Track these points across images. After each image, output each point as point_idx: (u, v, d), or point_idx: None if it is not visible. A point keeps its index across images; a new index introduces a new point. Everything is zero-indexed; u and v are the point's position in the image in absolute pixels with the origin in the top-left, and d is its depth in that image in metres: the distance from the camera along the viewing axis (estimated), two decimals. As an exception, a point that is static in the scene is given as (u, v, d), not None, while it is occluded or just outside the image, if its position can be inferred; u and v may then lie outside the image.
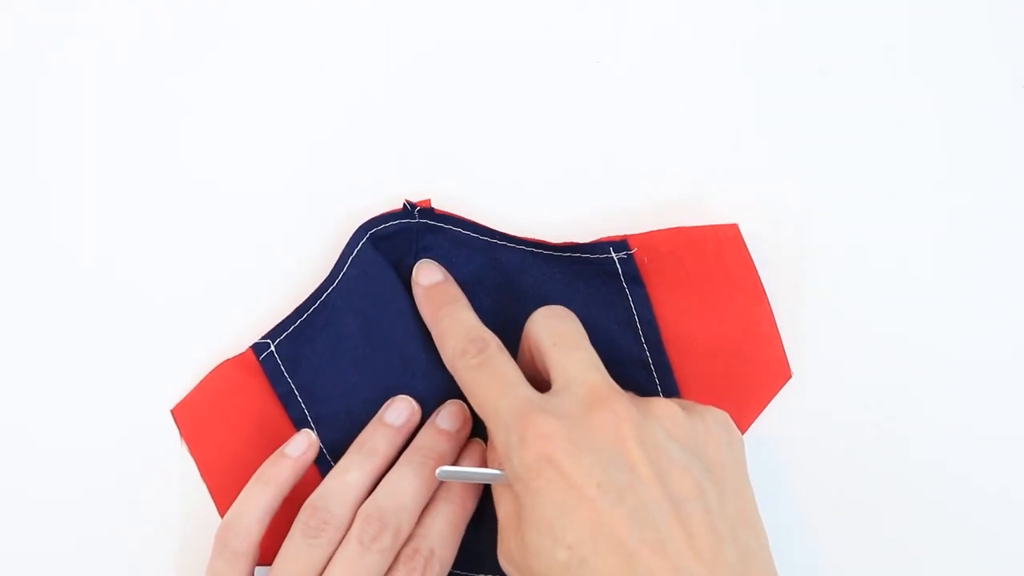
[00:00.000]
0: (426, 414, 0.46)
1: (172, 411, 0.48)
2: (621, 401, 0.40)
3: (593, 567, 0.37)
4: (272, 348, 0.47)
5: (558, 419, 0.39)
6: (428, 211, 0.47)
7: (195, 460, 0.48)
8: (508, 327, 0.47)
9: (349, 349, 0.47)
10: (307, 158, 0.50)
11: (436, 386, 0.46)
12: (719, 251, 0.46)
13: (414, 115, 0.50)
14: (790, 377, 0.47)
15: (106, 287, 0.49)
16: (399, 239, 0.47)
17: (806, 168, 0.49)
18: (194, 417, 0.47)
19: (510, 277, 0.47)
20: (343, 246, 0.47)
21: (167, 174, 0.50)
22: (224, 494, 0.47)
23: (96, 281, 0.49)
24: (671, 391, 0.46)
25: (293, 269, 0.49)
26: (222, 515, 0.47)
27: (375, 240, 0.47)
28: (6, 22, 0.50)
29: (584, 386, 0.40)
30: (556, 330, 0.42)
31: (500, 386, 0.41)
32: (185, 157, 0.50)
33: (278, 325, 0.47)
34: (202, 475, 0.47)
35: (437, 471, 0.43)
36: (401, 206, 0.47)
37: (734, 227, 0.46)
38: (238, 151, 0.50)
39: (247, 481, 0.44)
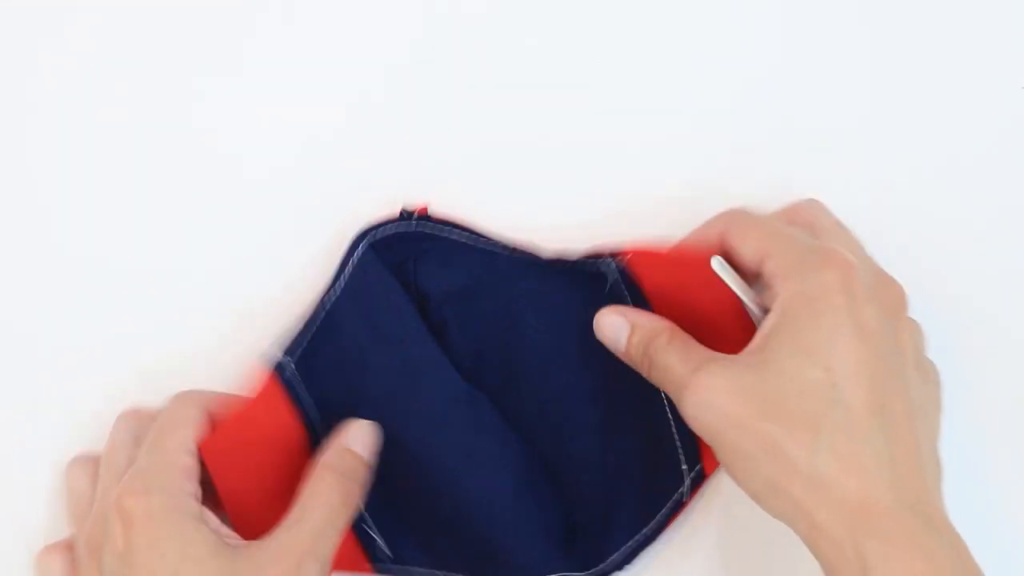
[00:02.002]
0: (433, 417, 0.46)
1: (200, 448, 0.44)
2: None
3: (844, 396, 0.39)
4: (293, 367, 0.46)
5: (860, 260, 0.41)
6: (425, 218, 0.47)
7: (220, 493, 0.44)
8: (508, 332, 0.47)
9: (358, 358, 0.46)
10: (306, 161, 0.50)
11: (444, 389, 0.46)
12: (706, 277, 0.44)
13: (415, 117, 0.50)
14: None
15: (103, 289, 0.49)
16: (397, 246, 0.47)
17: (806, 168, 0.49)
18: (222, 453, 0.45)
19: (510, 282, 0.47)
20: (340, 248, 0.47)
21: (169, 171, 0.50)
22: (245, 520, 0.45)
23: (94, 283, 0.49)
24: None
25: (290, 271, 0.49)
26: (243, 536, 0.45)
27: (373, 247, 0.46)
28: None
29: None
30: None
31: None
32: (186, 158, 0.50)
33: (293, 341, 0.46)
34: (225, 505, 0.45)
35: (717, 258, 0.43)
36: (398, 213, 0.47)
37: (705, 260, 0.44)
38: (237, 153, 0.50)
39: (267, 506, 0.44)
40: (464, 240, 0.47)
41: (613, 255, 0.45)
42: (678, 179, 0.49)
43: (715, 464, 0.45)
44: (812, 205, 0.46)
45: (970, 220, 0.49)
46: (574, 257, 0.46)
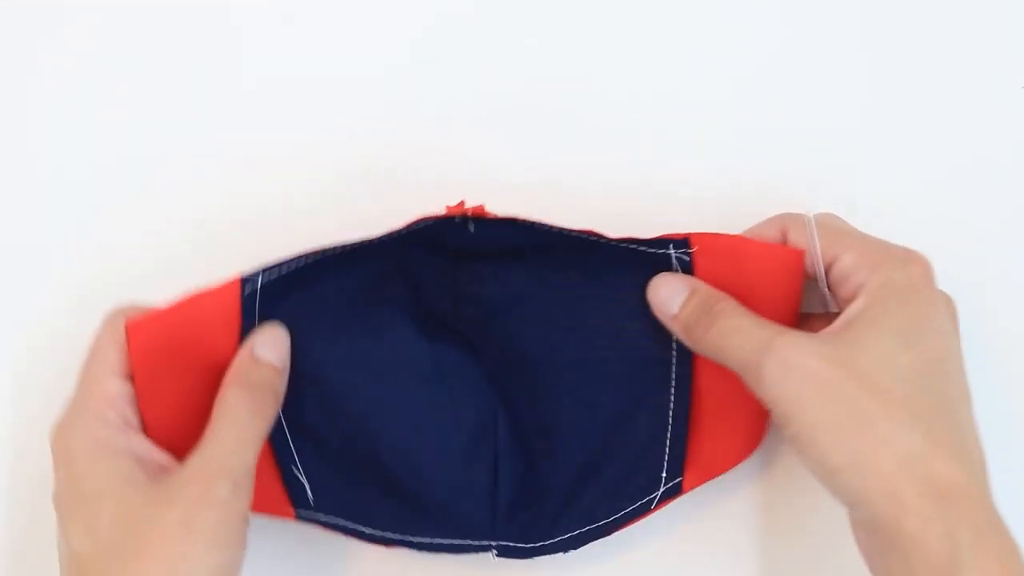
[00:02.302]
0: (388, 369, 0.45)
1: (127, 326, 0.42)
2: None
3: (933, 385, 0.40)
4: (258, 286, 0.44)
5: None
6: (481, 219, 0.44)
7: (136, 385, 0.43)
8: (554, 284, 0.46)
9: (321, 303, 0.45)
10: (307, 158, 0.50)
11: (391, 352, 0.46)
12: (774, 278, 0.43)
13: (416, 114, 0.50)
14: None
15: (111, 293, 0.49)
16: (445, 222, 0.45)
17: (805, 168, 0.49)
18: (149, 339, 0.43)
19: (566, 252, 0.45)
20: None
21: (165, 171, 0.51)
22: (156, 430, 0.43)
23: (99, 291, 0.49)
24: (683, 396, 0.45)
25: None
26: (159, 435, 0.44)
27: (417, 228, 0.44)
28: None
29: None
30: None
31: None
32: (183, 157, 0.51)
33: (268, 267, 0.44)
34: (139, 403, 0.43)
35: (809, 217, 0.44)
36: (446, 211, 0.44)
37: (799, 256, 0.43)
38: (236, 152, 0.50)
39: (184, 422, 0.43)
40: (520, 221, 0.44)
41: (680, 240, 0.44)
42: (677, 179, 0.49)
43: (696, 483, 0.45)
44: (834, 218, 0.45)
45: (970, 220, 0.49)
46: (640, 237, 0.45)
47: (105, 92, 0.51)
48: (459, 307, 0.47)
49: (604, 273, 0.45)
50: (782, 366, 0.39)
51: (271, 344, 0.44)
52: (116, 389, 0.42)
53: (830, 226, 0.44)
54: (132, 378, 0.43)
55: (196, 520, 0.39)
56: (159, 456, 0.42)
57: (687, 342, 0.43)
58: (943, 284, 0.47)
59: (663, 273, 0.44)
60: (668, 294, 0.44)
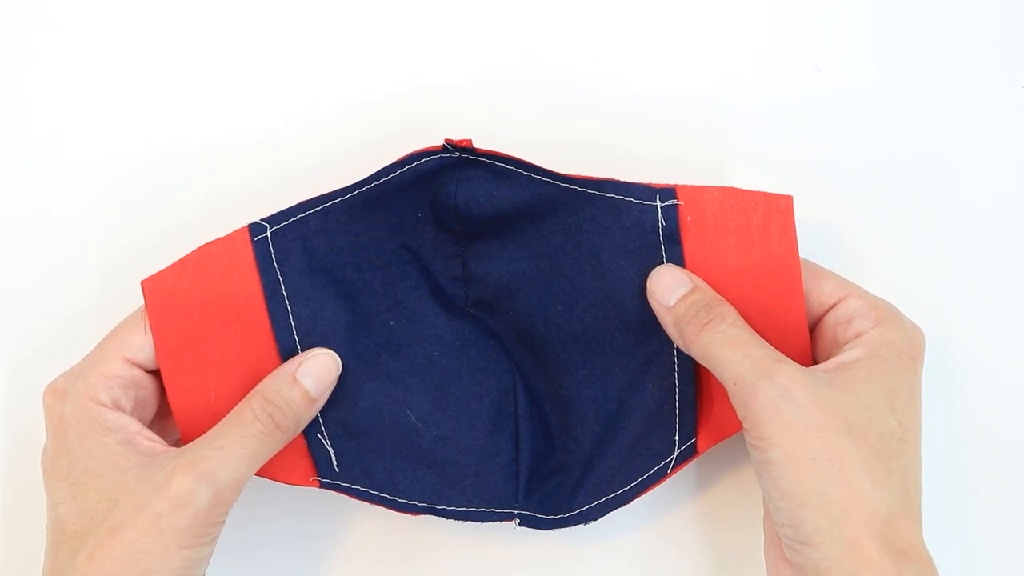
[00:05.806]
0: (392, 350, 0.46)
1: (142, 283, 0.44)
2: None
3: (908, 451, 0.41)
4: (268, 233, 0.44)
5: None
6: (469, 150, 0.45)
7: (154, 339, 0.44)
8: (543, 261, 0.47)
9: (335, 265, 0.46)
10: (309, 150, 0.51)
11: (411, 323, 0.47)
12: (766, 224, 0.44)
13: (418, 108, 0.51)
14: None
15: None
16: (440, 173, 0.46)
17: (804, 168, 0.50)
18: (166, 293, 0.44)
19: (554, 211, 0.46)
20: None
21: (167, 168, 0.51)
22: (177, 382, 0.44)
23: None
24: (686, 358, 0.45)
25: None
26: (171, 404, 0.45)
27: (413, 175, 0.45)
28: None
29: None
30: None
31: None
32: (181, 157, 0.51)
33: (280, 212, 0.45)
34: (158, 357, 0.44)
35: None
36: (441, 144, 0.45)
37: (788, 199, 0.43)
38: (237, 151, 0.51)
39: (204, 370, 0.43)
40: (509, 168, 0.45)
41: (666, 191, 0.44)
42: (684, 172, 0.49)
43: (710, 443, 0.45)
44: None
45: (969, 220, 0.50)
46: (627, 181, 0.45)
47: (108, 86, 0.51)
48: (469, 289, 0.48)
49: (596, 243, 0.45)
50: (778, 394, 0.40)
51: (316, 374, 0.44)
52: (117, 370, 0.43)
53: (834, 274, 0.45)
54: (154, 342, 0.44)
55: (169, 519, 0.40)
56: (150, 437, 0.43)
57: (674, 335, 0.44)
58: (939, 285, 0.49)
59: (668, 264, 0.44)
60: (669, 284, 0.44)
